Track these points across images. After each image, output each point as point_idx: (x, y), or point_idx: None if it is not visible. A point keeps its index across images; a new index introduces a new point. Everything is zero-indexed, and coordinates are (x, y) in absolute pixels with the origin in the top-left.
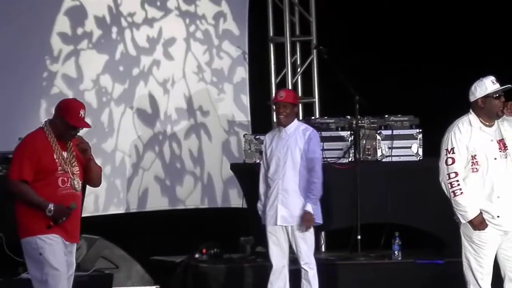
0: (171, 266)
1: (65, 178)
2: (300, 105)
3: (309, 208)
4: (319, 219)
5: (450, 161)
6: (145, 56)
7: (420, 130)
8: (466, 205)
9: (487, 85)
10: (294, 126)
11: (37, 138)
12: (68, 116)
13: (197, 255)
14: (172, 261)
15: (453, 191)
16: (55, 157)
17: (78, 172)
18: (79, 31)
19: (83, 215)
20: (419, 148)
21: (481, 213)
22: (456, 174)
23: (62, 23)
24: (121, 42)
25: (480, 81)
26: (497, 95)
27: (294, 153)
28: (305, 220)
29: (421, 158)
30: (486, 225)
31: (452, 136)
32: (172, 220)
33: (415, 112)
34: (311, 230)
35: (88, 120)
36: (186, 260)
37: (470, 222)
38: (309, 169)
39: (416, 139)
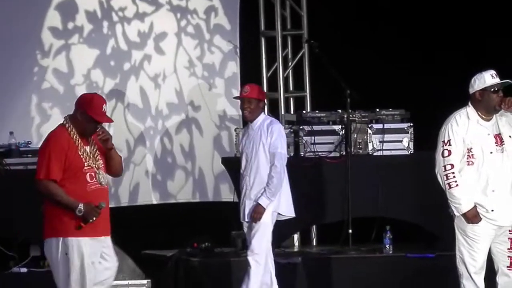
0: (162, 260)
1: (92, 173)
2: (291, 99)
3: (262, 201)
4: (290, 212)
5: (446, 153)
6: (136, 50)
7: (411, 124)
8: (461, 198)
9: (485, 79)
10: (260, 121)
11: (61, 135)
12: (92, 111)
13: (188, 249)
14: (163, 255)
15: (449, 183)
16: (80, 153)
17: (103, 165)
18: (70, 25)
19: None
20: (410, 142)
21: (475, 206)
22: (452, 166)
23: (53, 18)
24: (112, 37)
25: (479, 74)
26: (495, 89)
27: (259, 148)
28: (255, 211)
29: (412, 152)
30: (480, 219)
31: (449, 128)
32: (163, 215)
33: (407, 106)
34: (265, 226)
35: None
36: (177, 254)
37: (464, 215)
38: (270, 164)
39: (407, 133)
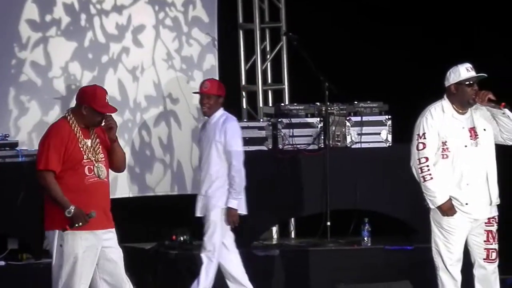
0: (141, 253)
1: (91, 167)
2: (270, 91)
3: (232, 203)
4: (242, 210)
5: (421, 146)
6: (114, 43)
7: (390, 117)
8: (436, 191)
9: (460, 72)
10: (217, 117)
11: (62, 127)
12: (95, 104)
13: (166, 242)
14: (142, 248)
15: (423, 176)
16: (80, 145)
17: (104, 159)
18: (48, 18)
19: None
20: (388, 135)
21: (450, 199)
22: (427, 159)
23: (31, 10)
24: (90, 30)
25: (455, 67)
26: (470, 82)
27: (212, 145)
28: (229, 215)
29: (390, 145)
30: (455, 212)
31: (424, 121)
32: (141, 207)
33: (385, 98)
34: (215, 223)
35: (57, 107)
36: (156, 247)
37: (439, 208)
38: (228, 163)
39: (386, 125)
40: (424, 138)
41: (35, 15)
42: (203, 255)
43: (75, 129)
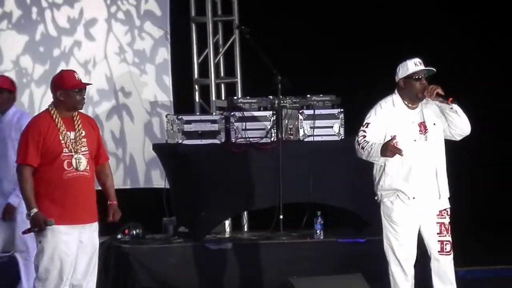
0: None
1: (70, 160)
2: (222, 85)
3: (12, 199)
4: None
5: (361, 133)
6: (66, 36)
7: (342, 110)
8: (371, 143)
9: (409, 66)
10: (10, 114)
11: (42, 119)
12: (67, 84)
13: (119, 236)
14: None
15: (362, 146)
16: (60, 138)
17: (86, 152)
18: None
19: None
20: (340, 128)
21: (390, 139)
22: (364, 136)
23: None
24: (41, 23)
25: (404, 62)
26: (418, 76)
27: (8, 143)
28: (6, 211)
29: (342, 138)
30: (399, 149)
31: (372, 113)
32: None
33: (337, 92)
34: (20, 224)
35: None
36: (108, 240)
37: (384, 151)
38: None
39: (338, 118)
40: (367, 127)
41: None
42: (18, 256)
43: (57, 120)
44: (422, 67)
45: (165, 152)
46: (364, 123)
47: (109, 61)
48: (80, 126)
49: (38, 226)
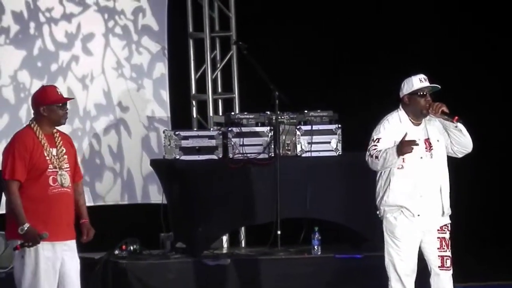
0: (91, 263)
1: (55, 176)
2: (220, 100)
3: None
4: None
5: (372, 147)
6: (64, 51)
7: (339, 126)
8: (385, 149)
9: (414, 82)
10: None
11: (26, 135)
12: (49, 99)
13: (116, 252)
14: (92, 258)
15: (376, 156)
16: (45, 154)
17: (68, 168)
18: None
19: (3, 212)
20: (338, 143)
21: (403, 137)
22: (375, 148)
23: None
24: (39, 38)
25: (409, 78)
26: (423, 93)
27: None
28: None
29: (340, 153)
30: (414, 141)
31: (381, 127)
32: (91, 216)
33: (335, 108)
34: None
35: (6, 116)
36: (105, 256)
37: (400, 149)
38: None
39: (335, 134)
40: (378, 142)
41: None
42: None
43: (40, 136)
44: (427, 83)
45: (163, 168)
46: (374, 138)
47: (107, 76)
48: (60, 143)
49: (33, 241)
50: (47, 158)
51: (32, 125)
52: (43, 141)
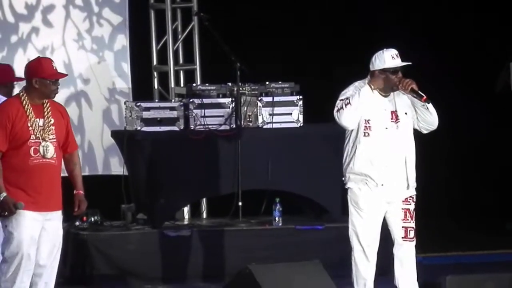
0: None
1: (37, 147)
2: (181, 72)
3: None
4: None
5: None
6: (24, 23)
7: (301, 97)
8: (351, 91)
9: (386, 59)
10: None
11: (10, 104)
12: (44, 73)
13: (77, 223)
14: None
15: (344, 103)
16: (29, 124)
17: (54, 140)
18: None
19: None
20: (299, 115)
21: None
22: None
23: None
24: None
25: (381, 53)
26: (393, 70)
27: None
28: None
29: (301, 125)
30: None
31: (351, 87)
32: None
33: (296, 79)
34: None
35: None
36: (66, 227)
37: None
38: None
39: (297, 105)
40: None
41: None
42: None
43: (26, 106)
44: (398, 60)
45: (124, 139)
46: (341, 98)
47: (67, 48)
48: (49, 114)
49: (8, 210)
50: (30, 128)
51: (21, 94)
52: (28, 111)
